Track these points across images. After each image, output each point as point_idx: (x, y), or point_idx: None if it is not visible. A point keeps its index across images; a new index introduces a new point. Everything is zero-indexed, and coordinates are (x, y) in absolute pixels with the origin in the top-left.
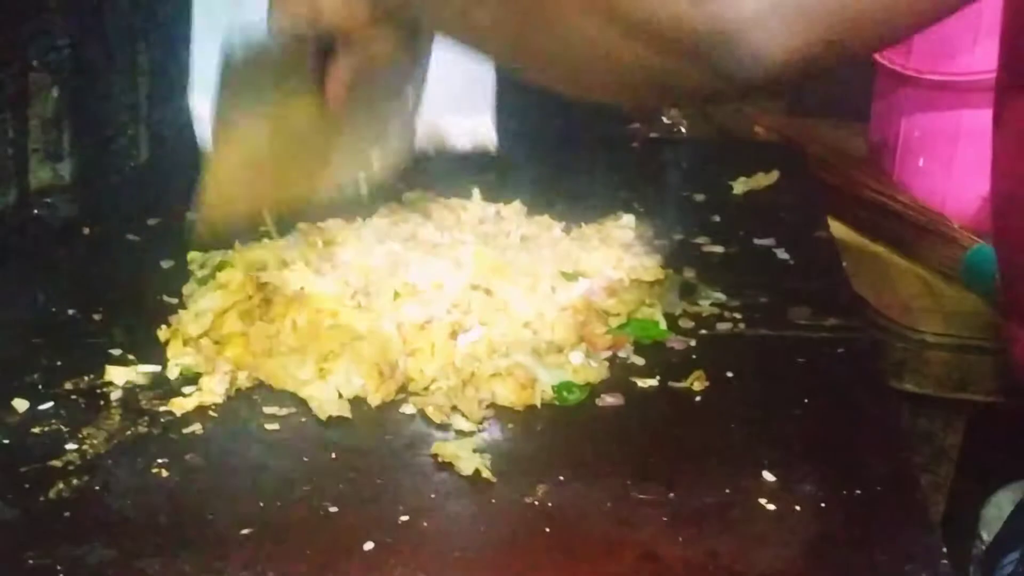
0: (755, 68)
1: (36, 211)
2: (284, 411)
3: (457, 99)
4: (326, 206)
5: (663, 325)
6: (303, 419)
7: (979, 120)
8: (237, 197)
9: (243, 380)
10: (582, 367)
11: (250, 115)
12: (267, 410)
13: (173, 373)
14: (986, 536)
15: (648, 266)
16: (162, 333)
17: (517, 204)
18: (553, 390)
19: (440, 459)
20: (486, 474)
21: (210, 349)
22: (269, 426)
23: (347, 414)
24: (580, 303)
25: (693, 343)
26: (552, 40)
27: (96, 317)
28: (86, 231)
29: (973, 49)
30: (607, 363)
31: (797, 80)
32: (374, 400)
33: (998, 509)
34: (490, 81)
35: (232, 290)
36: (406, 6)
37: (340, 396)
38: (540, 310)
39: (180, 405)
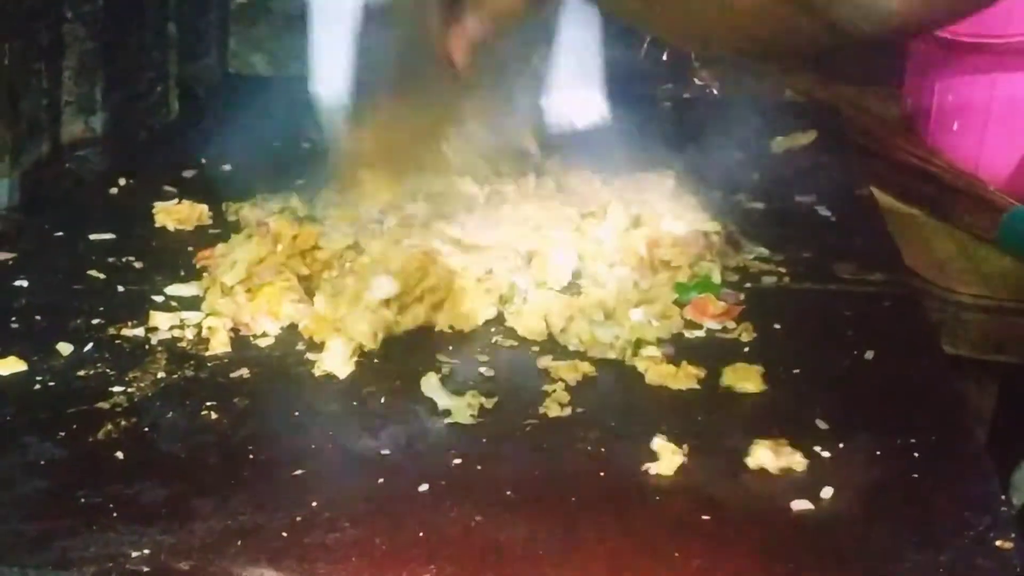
0: (873, 21)
1: (68, 164)
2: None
3: (568, 72)
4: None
5: (717, 279)
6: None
7: (1014, 83)
8: (374, 162)
9: (284, 326)
10: (639, 324)
11: (383, 83)
12: (310, 356)
13: (214, 322)
14: (1016, 501)
15: (701, 219)
16: (201, 283)
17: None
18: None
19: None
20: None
21: (245, 298)
22: (315, 371)
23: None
24: (645, 255)
25: (742, 296)
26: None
27: (136, 265)
28: (122, 182)
29: (1009, 11)
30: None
31: (910, 34)
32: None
33: None
34: (598, 54)
35: (266, 241)
36: None
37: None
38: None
39: (223, 346)
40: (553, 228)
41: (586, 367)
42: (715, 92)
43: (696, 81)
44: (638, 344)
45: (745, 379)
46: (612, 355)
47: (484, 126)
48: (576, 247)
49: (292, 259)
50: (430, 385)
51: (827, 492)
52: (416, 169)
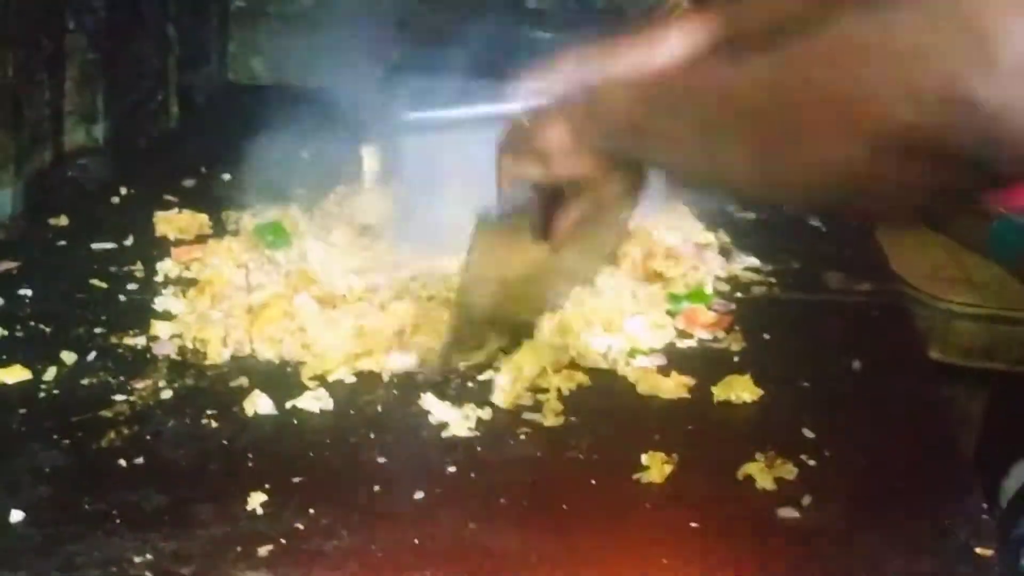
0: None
1: (70, 172)
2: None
3: None
4: None
5: (709, 289)
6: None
7: None
8: (477, 335)
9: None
10: (634, 335)
11: (492, 264)
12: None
13: (217, 331)
14: (1004, 506)
15: (695, 229)
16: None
17: None
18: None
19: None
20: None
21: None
22: (312, 383)
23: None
24: (639, 265)
25: (733, 307)
26: (799, 167)
27: (138, 274)
28: (123, 191)
29: None
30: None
31: None
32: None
33: (1018, 481)
34: None
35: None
36: (638, 155)
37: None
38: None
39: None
40: None
41: (580, 376)
42: None
43: None
44: (631, 354)
45: (739, 389)
46: (605, 365)
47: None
48: None
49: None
50: (427, 397)
51: (813, 500)
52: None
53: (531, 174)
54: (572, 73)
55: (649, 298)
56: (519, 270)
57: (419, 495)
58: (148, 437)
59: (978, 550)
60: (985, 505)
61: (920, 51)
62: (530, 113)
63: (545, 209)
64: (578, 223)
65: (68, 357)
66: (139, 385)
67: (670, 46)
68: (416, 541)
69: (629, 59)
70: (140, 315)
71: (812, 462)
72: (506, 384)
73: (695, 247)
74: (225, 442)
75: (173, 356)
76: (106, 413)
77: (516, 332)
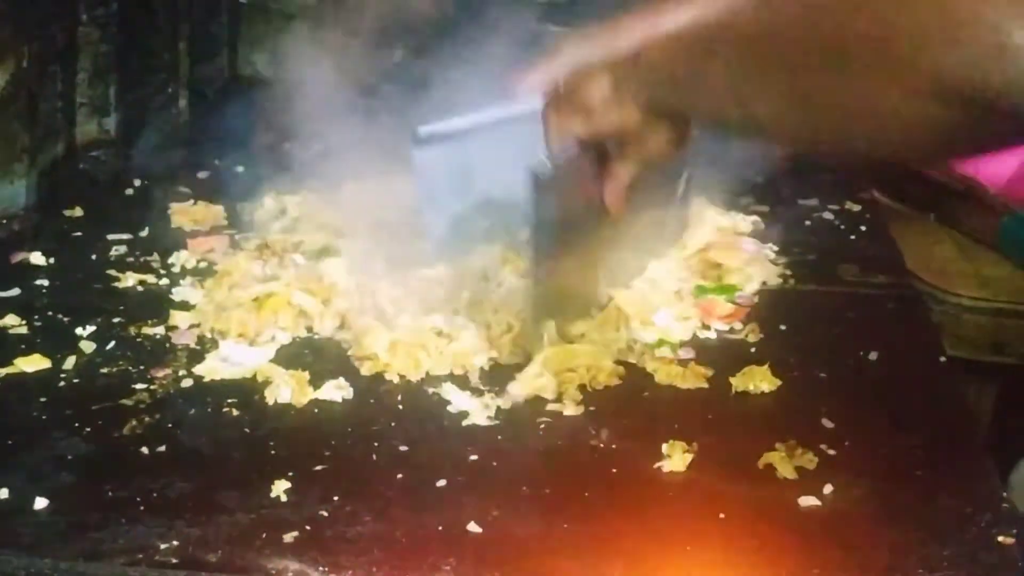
0: None
1: (82, 165)
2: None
3: None
4: None
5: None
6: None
7: None
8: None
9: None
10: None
11: (555, 232)
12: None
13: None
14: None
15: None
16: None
17: None
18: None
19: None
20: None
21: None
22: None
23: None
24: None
25: (756, 299)
26: (845, 115)
27: (155, 265)
28: (136, 183)
29: None
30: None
31: None
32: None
33: None
34: None
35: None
36: (679, 104)
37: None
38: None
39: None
40: None
41: (608, 371)
42: None
43: None
44: (658, 345)
45: (757, 379)
46: (633, 359)
47: (632, 253)
48: None
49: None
50: (447, 386)
51: (834, 489)
52: (589, 308)
53: (577, 130)
54: (575, 57)
55: (682, 290)
56: (582, 224)
57: (441, 483)
58: (169, 425)
59: (1000, 538)
60: (1005, 494)
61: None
62: (573, 71)
63: (596, 174)
64: (630, 186)
65: (87, 346)
66: (159, 374)
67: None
68: (440, 528)
69: (638, 30)
70: (158, 305)
71: (832, 451)
72: (528, 376)
73: (751, 238)
74: (247, 430)
75: (192, 345)
76: (127, 401)
77: (583, 306)
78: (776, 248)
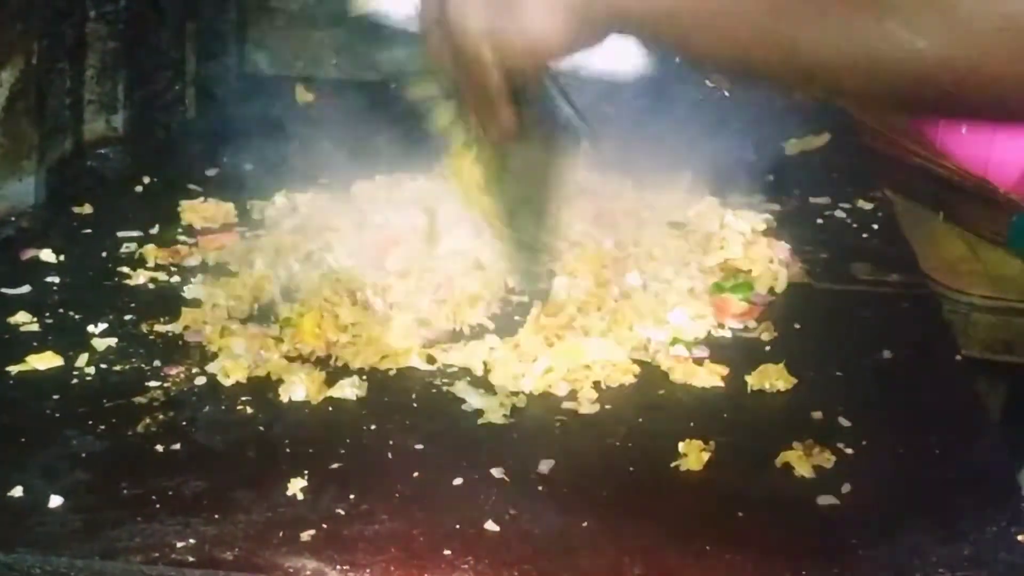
0: None
1: (90, 162)
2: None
3: None
4: None
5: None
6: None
7: None
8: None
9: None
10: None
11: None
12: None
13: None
14: None
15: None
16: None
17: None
18: None
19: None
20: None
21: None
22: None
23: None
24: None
25: (772, 298)
26: (833, 49)
27: (165, 262)
28: (145, 180)
29: None
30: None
31: None
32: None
33: None
34: None
35: None
36: (669, 40)
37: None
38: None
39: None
40: None
41: (622, 369)
42: (727, 94)
43: (707, 83)
44: (673, 342)
45: (773, 378)
46: (647, 357)
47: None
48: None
49: None
50: (461, 385)
51: (852, 488)
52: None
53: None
54: None
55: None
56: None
57: (458, 481)
58: (183, 423)
59: (1020, 536)
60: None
61: None
62: None
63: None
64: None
65: (99, 344)
66: (172, 371)
67: None
68: (457, 526)
69: None
70: (170, 302)
71: (849, 450)
72: (538, 371)
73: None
74: (261, 428)
75: (204, 344)
76: (140, 399)
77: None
78: (789, 247)
